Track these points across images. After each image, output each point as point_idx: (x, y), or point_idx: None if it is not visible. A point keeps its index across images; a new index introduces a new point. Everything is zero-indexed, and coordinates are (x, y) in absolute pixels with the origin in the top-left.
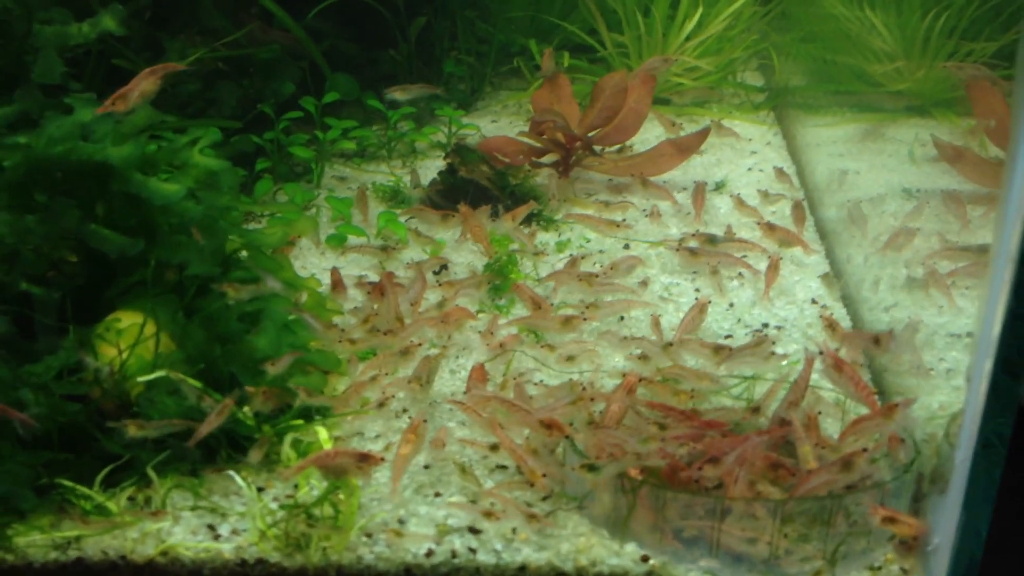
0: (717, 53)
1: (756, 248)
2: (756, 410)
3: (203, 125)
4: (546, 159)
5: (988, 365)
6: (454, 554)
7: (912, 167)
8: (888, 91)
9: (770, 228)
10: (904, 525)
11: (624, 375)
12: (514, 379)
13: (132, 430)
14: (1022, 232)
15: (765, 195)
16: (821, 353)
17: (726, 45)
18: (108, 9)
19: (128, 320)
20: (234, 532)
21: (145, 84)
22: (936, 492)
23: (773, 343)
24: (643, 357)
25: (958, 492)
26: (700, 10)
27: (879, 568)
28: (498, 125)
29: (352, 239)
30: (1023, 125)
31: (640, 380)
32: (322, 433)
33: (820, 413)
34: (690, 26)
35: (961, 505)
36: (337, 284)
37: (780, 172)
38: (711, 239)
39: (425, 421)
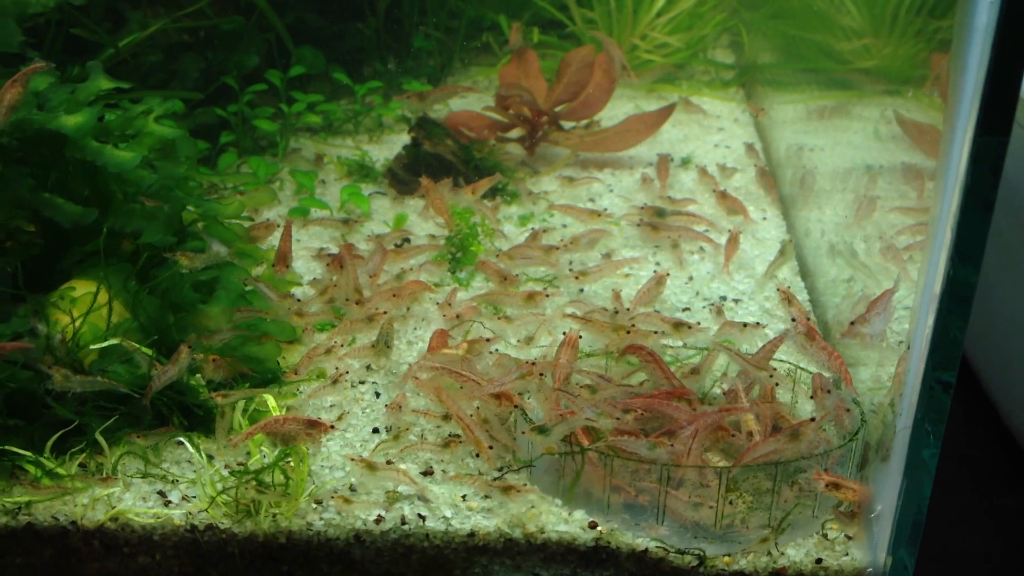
0: (688, 30)
1: (703, 221)
2: (695, 371)
3: (164, 96)
4: (512, 134)
5: (927, 330)
6: (404, 521)
7: (877, 144)
8: (855, 68)
9: (723, 196)
10: (848, 491)
11: (565, 334)
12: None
13: (58, 378)
14: (960, 197)
15: (723, 168)
16: (794, 320)
17: (696, 22)
18: None
19: (83, 289)
20: (184, 499)
21: (10, 95)
22: (879, 459)
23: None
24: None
25: (900, 459)
26: None
27: (824, 535)
28: (467, 100)
29: (315, 212)
30: (958, 95)
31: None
32: (270, 401)
33: (777, 385)
34: (660, 2)
35: (902, 472)
36: (282, 258)
37: (750, 148)
38: (659, 212)
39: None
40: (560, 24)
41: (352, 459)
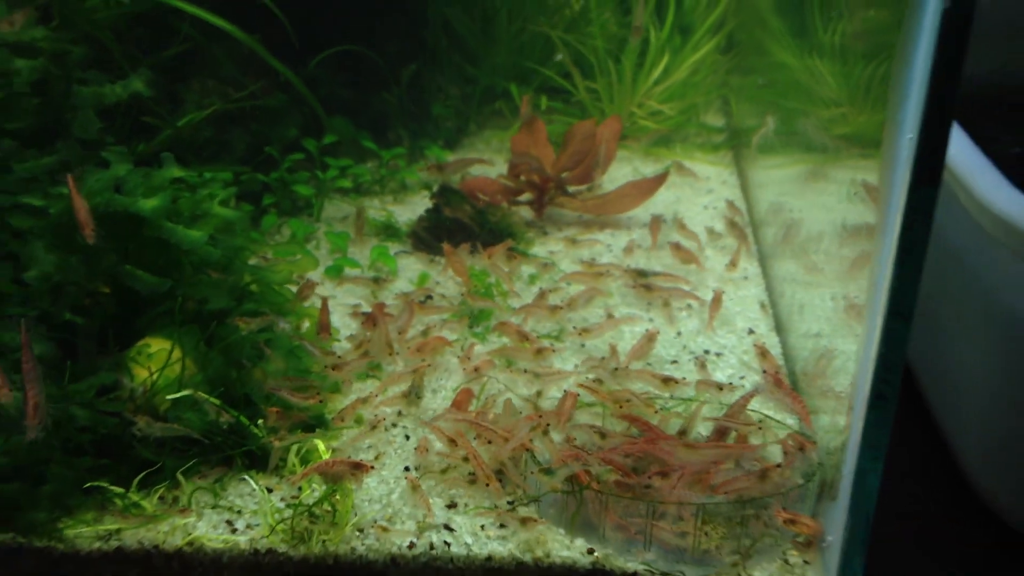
0: (681, 98)
1: (681, 280)
2: (683, 433)
3: (218, 170)
4: (523, 198)
5: (866, 389)
6: (432, 546)
7: (849, 206)
8: (833, 135)
9: (676, 248)
10: (803, 525)
11: (566, 392)
12: (485, 401)
13: (141, 424)
14: (896, 249)
15: (711, 231)
16: (765, 372)
17: (689, 91)
18: (138, 73)
19: (157, 346)
20: (248, 527)
21: (82, 203)
22: (829, 498)
23: None
24: (597, 381)
25: (846, 497)
26: (666, 58)
27: (786, 560)
28: (481, 166)
29: (348, 271)
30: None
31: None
32: (320, 445)
33: (750, 432)
34: (656, 73)
35: (847, 509)
36: (323, 328)
37: (731, 204)
38: (642, 273)
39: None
40: (566, 91)
41: (407, 477)
